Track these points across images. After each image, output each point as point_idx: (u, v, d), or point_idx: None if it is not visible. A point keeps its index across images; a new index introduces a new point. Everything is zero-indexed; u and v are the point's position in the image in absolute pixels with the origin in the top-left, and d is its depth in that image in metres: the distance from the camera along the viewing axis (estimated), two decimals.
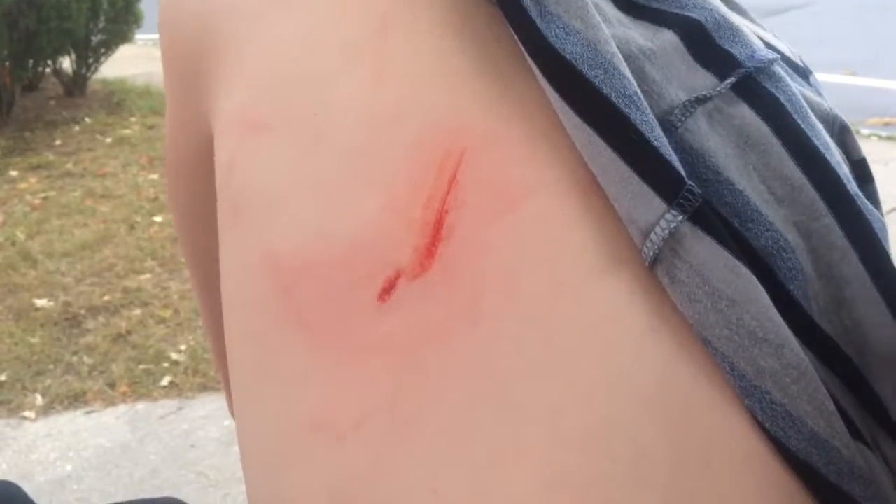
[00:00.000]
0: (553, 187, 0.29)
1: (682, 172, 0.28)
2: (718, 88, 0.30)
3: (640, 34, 0.31)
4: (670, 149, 0.28)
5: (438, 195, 0.28)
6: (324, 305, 0.28)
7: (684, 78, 0.31)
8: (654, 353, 0.28)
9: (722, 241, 0.28)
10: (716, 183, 0.29)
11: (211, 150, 0.33)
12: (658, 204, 0.28)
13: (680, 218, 0.28)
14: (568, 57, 0.28)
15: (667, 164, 0.28)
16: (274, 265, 0.29)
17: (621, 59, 0.29)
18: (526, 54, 0.29)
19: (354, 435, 0.28)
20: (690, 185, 0.28)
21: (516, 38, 0.29)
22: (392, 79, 0.30)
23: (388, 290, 0.28)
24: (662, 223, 0.28)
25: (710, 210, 0.28)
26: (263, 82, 0.31)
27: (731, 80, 0.30)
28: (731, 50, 0.31)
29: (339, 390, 0.28)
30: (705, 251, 0.28)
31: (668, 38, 0.31)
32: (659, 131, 0.28)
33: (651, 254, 0.28)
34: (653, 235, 0.28)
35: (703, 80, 0.31)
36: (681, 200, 0.28)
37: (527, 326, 0.28)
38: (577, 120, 0.28)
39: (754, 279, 0.27)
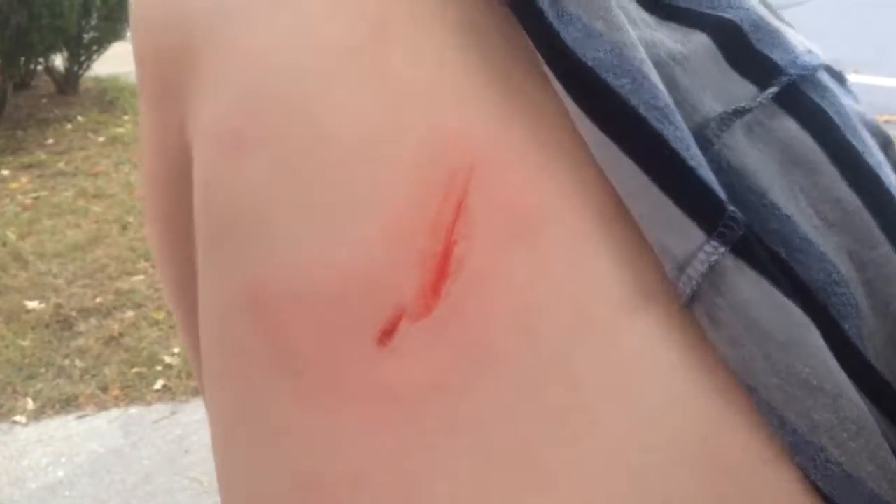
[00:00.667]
0: (574, 212, 0.25)
1: (723, 196, 0.24)
2: (759, 99, 0.27)
3: (668, 37, 0.27)
4: (708, 168, 0.25)
5: (445, 222, 0.25)
6: (314, 349, 0.25)
7: (720, 87, 0.27)
8: (692, 404, 0.25)
9: (769, 276, 0.24)
10: (759, 207, 0.26)
11: (190, 165, 0.30)
12: (696, 233, 0.24)
13: (722, 250, 0.24)
14: (590, 63, 0.25)
15: (705, 186, 0.24)
16: (257, 300, 0.26)
17: (650, 65, 0.25)
18: (542, 60, 0.26)
19: (351, 497, 0.24)
20: (733, 210, 0.24)
21: (530, 41, 0.26)
22: (392, 86, 0.26)
23: (388, 332, 0.24)
24: (701, 255, 0.24)
25: (755, 239, 0.25)
26: (245, 90, 0.27)
27: (773, 89, 0.27)
28: (770, 55, 0.28)
29: (333, 446, 0.25)
30: (750, 288, 0.24)
31: (701, 41, 0.28)
32: (695, 149, 0.25)
33: (688, 290, 0.24)
34: (690, 269, 0.24)
35: (741, 90, 0.27)
36: (722, 229, 0.24)
37: (547, 372, 0.24)
38: (600, 136, 0.25)
39: (807, 319, 0.24)
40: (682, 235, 0.24)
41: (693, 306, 0.25)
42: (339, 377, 0.25)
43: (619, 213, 0.25)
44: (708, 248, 0.24)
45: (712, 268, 0.24)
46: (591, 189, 0.26)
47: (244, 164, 0.26)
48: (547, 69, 0.26)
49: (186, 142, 0.30)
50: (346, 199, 0.25)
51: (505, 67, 0.27)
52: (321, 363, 0.25)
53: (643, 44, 0.26)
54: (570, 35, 0.25)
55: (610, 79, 0.25)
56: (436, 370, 0.24)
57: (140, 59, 0.32)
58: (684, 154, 0.24)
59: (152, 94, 0.32)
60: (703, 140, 0.26)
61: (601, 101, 0.25)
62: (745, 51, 0.28)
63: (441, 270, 0.25)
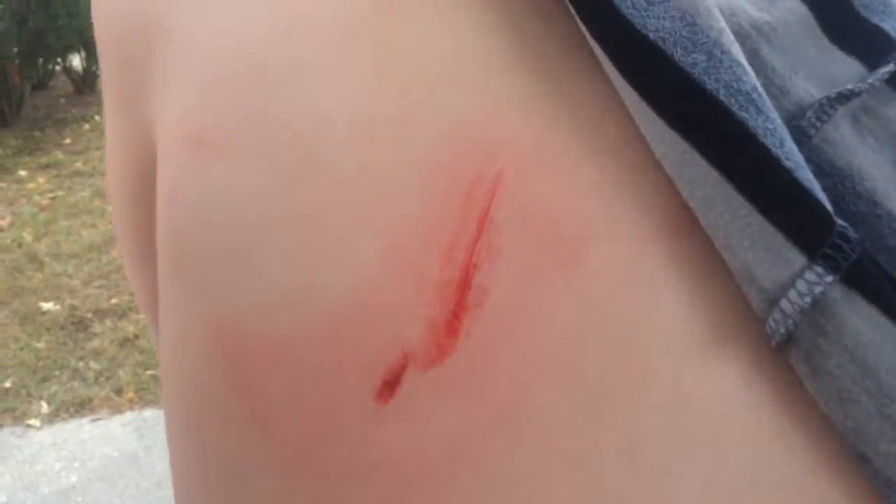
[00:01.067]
0: (629, 230, 0.20)
1: (830, 208, 0.19)
2: (868, 81, 0.21)
3: (750, 3, 0.21)
4: (808, 171, 0.19)
5: (464, 241, 0.19)
6: (296, 409, 0.19)
7: (816, 65, 0.21)
8: (784, 479, 0.19)
9: (890, 311, 0.18)
10: (872, 219, 0.20)
11: (155, 171, 0.24)
12: (794, 256, 0.18)
13: (829, 278, 0.18)
14: (651, 36, 0.19)
15: (806, 194, 0.19)
16: (224, 345, 0.20)
17: (731, 37, 0.20)
18: (587, 33, 0.20)
19: None
20: (843, 226, 0.19)
21: (573, 10, 0.20)
22: (397, 72, 0.20)
23: (390, 385, 0.19)
24: (801, 285, 0.18)
25: (870, 262, 0.19)
26: (213, 80, 0.21)
27: (887, 68, 0.21)
28: (881, 24, 0.22)
29: None
30: (866, 326, 0.18)
31: (791, 7, 0.22)
32: (791, 145, 0.19)
33: (782, 330, 0.19)
34: (785, 303, 0.18)
35: (844, 69, 0.21)
36: (828, 251, 0.18)
37: (597, 438, 0.19)
38: (665, 130, 0.19)
39: None
40: (775, 259, 0.19)
41: (788, 350, 0.19)
42: (327, 446, 0.19)
43: (689, 230, 0.20)
44: (810, 275, 0.18)
45: (816, 302, 0.18)
46: (652, 200, 0.20)
47: (211, 169, 0.21)
48: (595, 45, 0.20)
49: (154, 145, 0.24)
50: (338, 213, 0.20)
51: (540, 48, 0.21)
52: (304, 428, 0.19)
53: (719, 10, 0.20)
54: (624, 1, 0.19)
55: (678, 55, 0.19)
56: (452, 435, 0.19)
57: (101, 52, 0.27)
58: (777, 152, 0.19)
59: (116, 91, 0.27)
60: (798, 133, 0.20)
61: (667, 84, 0.19)
62: (849, 19, 0.22)
63: (458, 303, 0.19)
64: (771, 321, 0.19)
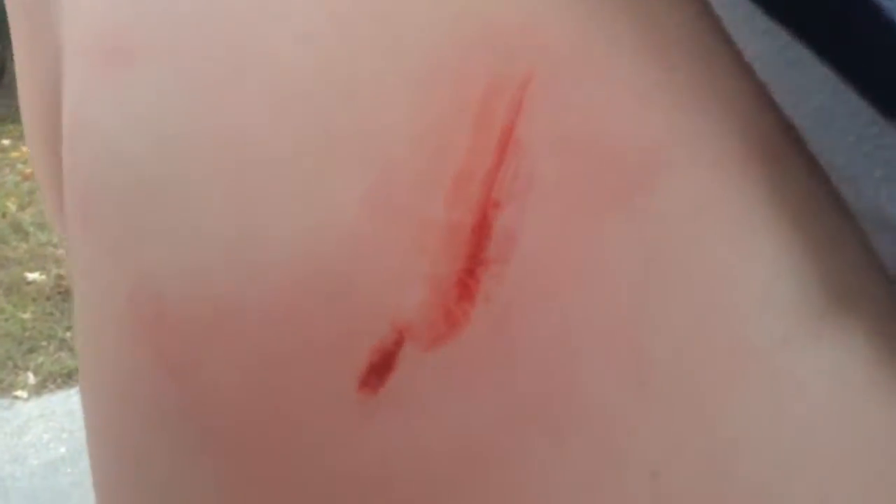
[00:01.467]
0: (710, 151, 0.14)
1: None
2: None
3: None
4: None
5: (479, 171, 0.14)
6: (246, 405, 0.14)
7: None
8: None
9: None
10: None
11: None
12: None
13: None
14: None
15: None
16: (151, 318, 0.15)
17: None
18: None
19: None
20: None
21: None
22: None
23: (379, 369, 0.13)
24: None
25: None
26: None
27: None
28: None
29: None
30: None
31: None
32: None
33: None
34: None
35: None
36: None
37: (668, 436, 0.14)
38: (760, 17, 0.14)
39: None
40: None
41: None
42: (287, 453, 0.14)
43: (792, 156, 0.14)
44: None
45: None
46: (741, 113, 0.14)
47: (127, 85, 0.15)
48: None
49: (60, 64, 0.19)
50: (300, 139, 0.14)
51: None
52: (255, 429, 0.14)
53: None
54: None
55: None
56: (465, 437, 0.14)
57: None
58: None
59: (21, 13, 0.21)
60: None
61: None
62: None
63: (473, 256, 0.14)
64: None
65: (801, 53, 0.13)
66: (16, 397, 2.21)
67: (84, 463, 1.93)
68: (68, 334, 2.33)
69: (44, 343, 2.32)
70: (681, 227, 0.14)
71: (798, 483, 0.14)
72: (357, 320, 0.14)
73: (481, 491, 0.14)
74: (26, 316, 2.41)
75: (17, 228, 2.83)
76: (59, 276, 2.55)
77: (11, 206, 3.00)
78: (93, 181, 0.16)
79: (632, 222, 0.14)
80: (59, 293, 2.49)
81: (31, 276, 2.57)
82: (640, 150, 0.14)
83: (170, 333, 0.14)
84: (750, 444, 0.14)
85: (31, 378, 2.23)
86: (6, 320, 2.39)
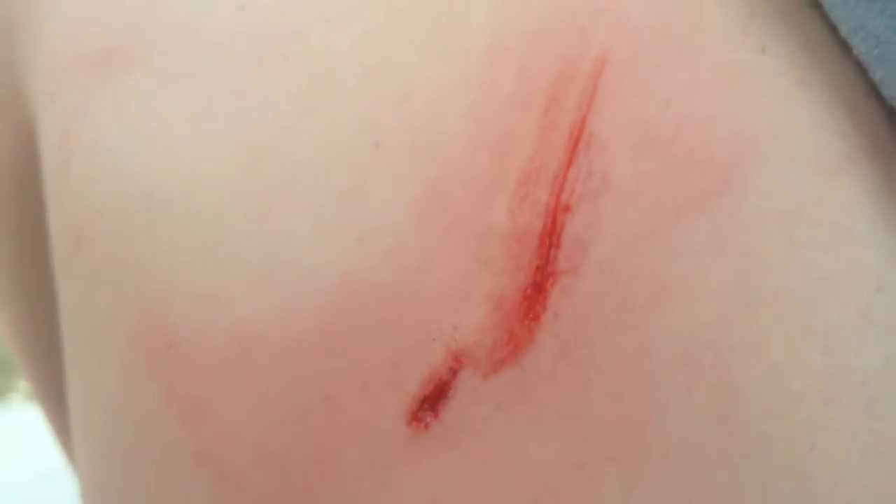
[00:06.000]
0: (807, 146, 0.12)
1: None
2: None
3: None
4: None
5: (547, 171, 0.12)
6: (276, 445, 0.12)
7: None
8: None
9: None
10: None
11: (33, 160, 0.17)
12: None
13: None
14: None
15: None
16: (159, 350, 0.13)
17: None
18: None
19: None
20: None
21: None
22: None
23: (432, 401, 0.12)
24: None
25: None
26: None
27: None
28: None
29: None
30: None
31: None
32: None
33: None
34: None
35: None
36: None
37: (763, 476, 0.12)
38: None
39: None
40: None
41: None
42: (329, 498, 0.12)
43: (893, 142, 0.13)
44: None
45: None
46: (843, 100, 0.13)
47: (127, 89, 0.14)
48: None
49: (22, 109, 0.17)
50: (336, 141, 0.12)
51: None
52: (295, 474, 0.12)
53: None
54: None
55: None
56: (533, 476, 0.12)
57: None
58: None
59: None
60: None
61: None
62: None
63: (541, 268, 0.12)
64: None
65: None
66: (11, 403, 2.19)
67: None
68: None
69: None
70: (776, 232, 0.12)
71: None
72: (407, 346, 0.12)
73: None
74: None
75: None
76: None
77: None
78: (90, 200, 0.14)
79: (720, 227, 0.12)
80: None
81: None
82: (728, 144, 0.12)
83: (183, 367, 0.13)
84: (846, 487, 0.12)
85: (27, 385, 2.21)
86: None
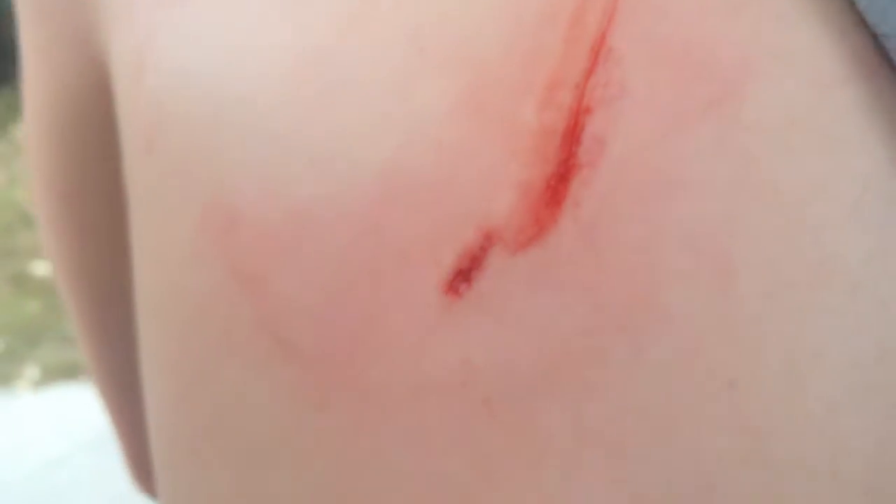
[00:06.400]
0: (804, 63, 0.14)
1: None
2: None
3: None
4: None
5: (571, 78, 0.14)
6: (327, 312, 0.14)
7: None
8: None
9: None
10: None
11: (102, 90, 0.20)
12: None
13: None
14: None
15: None
16: (223, 229, 0.14)
17: None
18: None
19: None
20: None
21: None
22: None
23: (466, 272, 0.13)
24: None
25: None
26: None
27: None
28: None
29: (359, 483, 0.14)
30: None
31: None
32: None
33: None
34: None
35: None
36: None
37: (754, 350, 0.13)
38: None
39: None
40: None
41: None
42: (376, 359, 0.14)
43: (881, 78, 0.14)
44: None
45: None
46: (834, 25, 0.14)
47: (193, 13, 0.15)
48: None
49: (91, 44, 0.19)
50: (382, 44, 0.14)
51: None
52: (343, 337, 0.14)
53: None
54: None
55: None
56: (550, 341, 0.13)
57: None
58: None
59: (30, 2, 0.22)
60: None
61: None
62: None
63: (564, 161, 0.13)
64: None
65: None
66: (17, 390, 2.20)
67: (84, 459, 1.92)
68: (72, 328, 2.33)
69: (47, 336, 2.32)
70: (772, 137, 0.14)
71: (873, 401, 0.13)
72: (444, 226, 0.13)
73: (559, 393, 0.13)
74: (31, 308, 2.40)
75: (26, 219, 2.83)
76: None
77: (21, 196, 3.00)
78: (160, 106, 0.16)
79: (722, 130, 0.13)
80: None
81: (38, 267, 2.57)
82: (730, 60, 0.14)
83: (245, 246, 0.14)
84: (828, 358, 0.13)
85: (34, 371, 2.22)
86: (11, 311, 2.39)
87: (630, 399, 0.13)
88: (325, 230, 0.14)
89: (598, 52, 0.14)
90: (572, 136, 0.13)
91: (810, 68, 0.14)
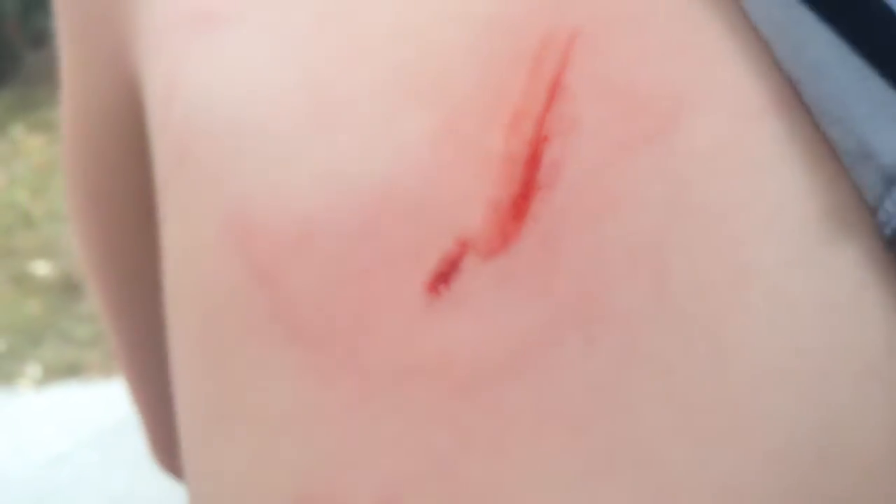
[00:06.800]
0: (727, 100, 0.17)
1: None
2: None
3: None
4: None
5: (532, 111, 0.16)
6: (329, 304, 0.16)
7: None
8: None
9: None
10: None
11: (133, 104, 0.22)
12: None
13: None
14: None
15: None
16: (243, 233, 0.17)
17: None
18: None
19: None
20: None
21: None
22: None
23: (444, 276, 0.16)
24: None
25: None
26: None
27: None
28: None
29: (358, 448, 0.16)
30: None
31: None
32: None
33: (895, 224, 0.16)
34: None
35: None
36: None
37: (683, 341, 0.16)
38: None
39: None
40: None
41: None
42: (366, 345, 0.16)
43: (795, 106, 0.17)
44: None
45: None
46: (754, 68, 0.17)
47: (223, 48, 0.18)
48: None
49: (130, 73, 0.22)
50: (382, 82, 0.17)
51: None
52: (336, 325, 0.16)
53: None
54: None
55: None
56: (516, 335, 0.16)
57: None
58: None
59: (70, 21, 0.25)
60: None
61: None
62: None
63: (526, 182, 0.16)
64: (888, 204, 0.16)
65: (800, 12, 0.16)
66: (19, 389, 2.22)
67: (86, 457, 1.94)
68: (73, 327, 2.35)
69: (49, 335, 2.34)
70: (702, 162, 0.16)
71: (787, 387, 0.16)
72: (427, 234, 0.16)
73: (523, 377, 0.16)
74: (32, 307, 2.42)
75: (27, 219, 2.85)
76: (67, 269, 2.57)
77: (22, 196, 3.02)
78: (190, 127, 0.18)
79: (660, 157, 0.16)
80: (66, 285, 2.51)
81: (39, 267, 2.60)
82: (668, 96, 0.16)
83: (261, 247, 0.17)
84: (747, 350, 0.16)
85: (35, 370, 2.24)
86: (12, 312, 2.41)
87: (583, 381, 0.16)
88: (326, 235, 0.16)
89: (555, 89, 0.16)
90: (533, 161, 0.16)
91: (735, 102, 0.16)
